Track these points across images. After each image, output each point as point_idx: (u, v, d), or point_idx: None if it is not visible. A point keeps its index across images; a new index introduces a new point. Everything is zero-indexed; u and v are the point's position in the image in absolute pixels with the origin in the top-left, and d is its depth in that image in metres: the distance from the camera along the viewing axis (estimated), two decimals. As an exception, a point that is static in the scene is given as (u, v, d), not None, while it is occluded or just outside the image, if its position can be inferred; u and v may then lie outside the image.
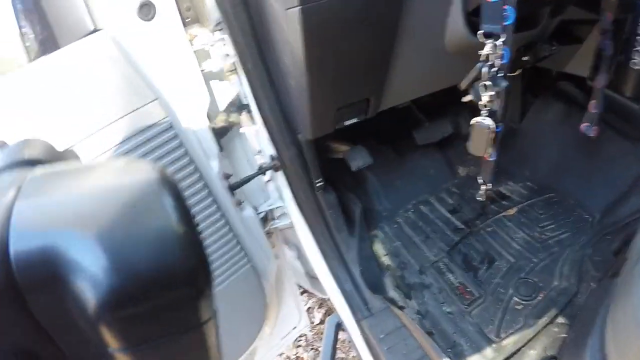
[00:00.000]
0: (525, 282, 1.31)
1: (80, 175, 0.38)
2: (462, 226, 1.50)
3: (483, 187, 1.20)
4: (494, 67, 0.98)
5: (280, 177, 1.34)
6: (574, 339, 1.06)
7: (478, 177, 1.19)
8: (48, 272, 0.28)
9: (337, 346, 1.65)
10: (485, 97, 1.01)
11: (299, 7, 0.86)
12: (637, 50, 1.25)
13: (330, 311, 2.09)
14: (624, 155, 1.42)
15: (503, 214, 1.52)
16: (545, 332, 1.19)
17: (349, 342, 1.86)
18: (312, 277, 1.63)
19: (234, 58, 1.23)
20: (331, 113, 1.13)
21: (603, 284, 1.21)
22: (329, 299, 2.07)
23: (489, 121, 1.04)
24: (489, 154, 1.10)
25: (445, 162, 1.76)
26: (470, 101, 1.64)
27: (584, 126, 1.36)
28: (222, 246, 1.23)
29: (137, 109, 1.05)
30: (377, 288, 1.37)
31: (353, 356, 1.95)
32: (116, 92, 1.04)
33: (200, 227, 1.17)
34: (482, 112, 1.04)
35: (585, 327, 0.89)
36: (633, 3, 1.21)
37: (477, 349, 1.20)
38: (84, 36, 1.05)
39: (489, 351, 1.18)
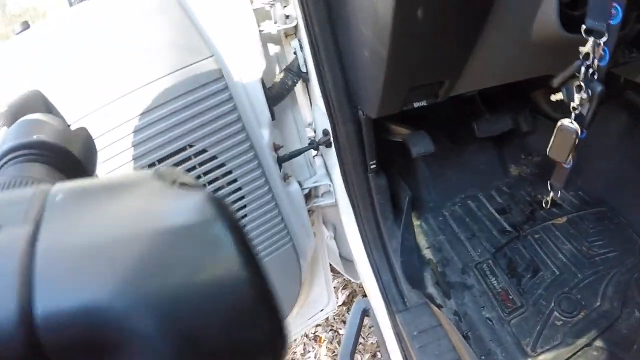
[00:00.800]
0: (568, 298, 1.30)
1: (113, 201, 0.29)
2: (510, 229, 1.48)
3: (551, 194, 1.17)
4: (592, 68, 0.93)
5: (330, 153, 1.31)
6: None
7: (549, 182, 1.17)
8: (84, 340, 0.22)
9: (359, 332, 1.66)
10: (576, 99, 0.97)
11: None
12: None
13: (354, 293, 2.10)
14: None
15: (552, 221, 1.49)
16: (582, 354, 1.18)
17: (370, 327, 1.87)
18: (346, 260, 1.62)
19: (296, 21, 1.17)
20: (403, 92, 1.07)
21: None
22: (359, 285, 2.08)
23: (575, 125, 1.00)
24: (568, 161, 1.07)
25: (499, 158, 1.73)
26: (534, 97, 1.59)
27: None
28: (266, 222, 1.21)
29: (190, 64, 1.01)
30: (416, 282, 1.35)
31: (372, 343, 1.97)
32: (170, 44, 1.00)
33: (247, 200, 1.15)
34: (570, 114, 1.01)
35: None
36: None
37: None
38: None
39: None
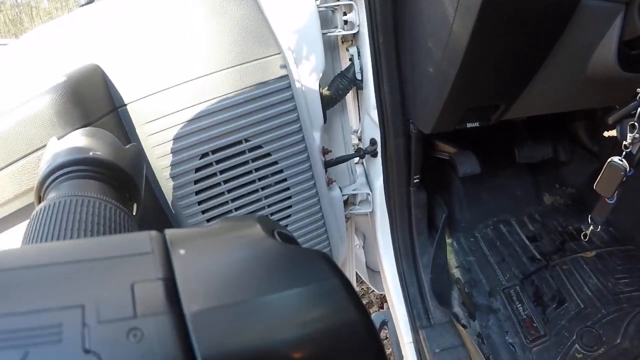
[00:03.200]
0: (590, 332, 1.40)
1: (234, 254, 0.33)
2: (539, 257, 1.59)
3: (591, 227, 1.30)
4: None
5: (375, 163, 1.43)
6: None
7: (590, 216, 1.29)
8: None
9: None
10: (629, 138, 1.10)
11: None
12: None
13: (370, 304, 2.22)
14: None
15: (581, 254, 1.60)
16: None
17: (384, 339, 2.00)
18: (371, 270, 1.74)
19: (357, 28, 1.29)
20: (460, 112, 1.17)
21: None
22: (376, 296, 2.20)
23: (625, 163, 1.13)
24: (612, 197, 1.20)
25: (534, 186, 1.85)
26: (573, 128, 1.72)
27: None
28: (310, 223, 1.30)
29: (259, 58, 1.08)
30: (442, 300, 1.45)
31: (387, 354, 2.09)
32: (242, 35, 1.07)
33: (293, 200, 1.26)
34: (622, 152, 1.14)
35: None
36: None
37: None
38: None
39: None
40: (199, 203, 1.15)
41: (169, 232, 0.32)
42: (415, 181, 1.39)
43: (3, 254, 0.29)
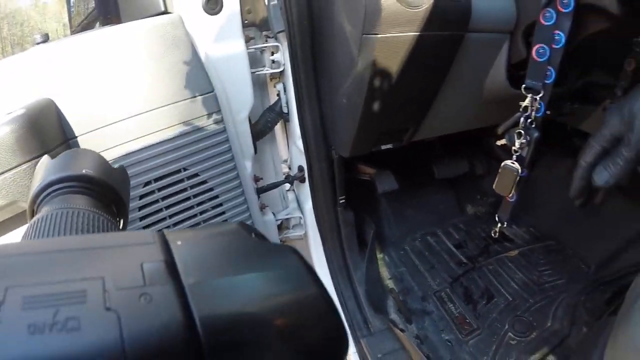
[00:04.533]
0: (520, 320, 1.58)
1: (225, 245, 0.41)
2: (466, 261, 1.79)
3: (499, 225, 1.53)
4: (530, 118, 1.31)
5: (303, 188, 1.61)
6: None
7: (497, 215, 1.52)
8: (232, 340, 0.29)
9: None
10: (517, 144, 1.34)
11: (378, 35, 1.11)
12: None
13: None
14: (624, 213, 1.72)
15: (505, 254, 1.81)
16: None
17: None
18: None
19: (283, 67, 1.52)
20: (374, 136, 1.38)
21: (594, 328, 1.53)
22: None
23: (517, 165, 1.37)
24: (511, 195, 1.43)
25: (456, 199, 2.07)
26: (488, 143, 1.99)
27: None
28: None
29: (194, 96, 1.30)
30: (379, 309, 1.62)
31: None
32: (180, 76, 1.28)
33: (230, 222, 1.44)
34: (512, 156, 1.38)
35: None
36: None
37: None
38: (153, 15, 1.31)
39: None
40: (144, 228, 1.32)
41: (165, 231, 0.39)
42: (341, 202, 1.58)
43: (25, 243, 0.35)
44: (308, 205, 1.62)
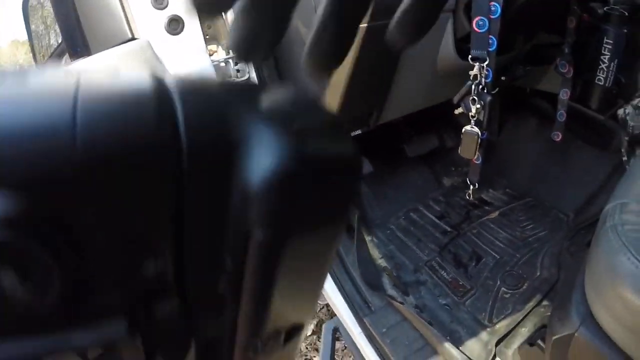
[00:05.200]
0: (511, 274, 1.69)
1: None
2: (450, 229, 1.89)
3: (471, 187, 1.65)
4: (481, 84, 1.45)
5: None
6: (561, 299, 1.44)
7: (467, 178, 1.65)
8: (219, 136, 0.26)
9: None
10: (473, 109, 1.48)
11: None
12: (600, 69, 1.76)
13: (321, 321, 2.46)
14: (591, 161, 1.83)
15: (486, 217, 1.92)
16: (533, 313, 1.55)
17: (343, 350, 2.24)
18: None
19: (247, 74, 1.63)
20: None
21: (578, 255, 1.65)
22: (324, 313, 2.45)
23: (476, 129, 1.49)
24: (476, 157, 1.56)
25: (432, 174, 2.19)
26: (456, 116, 2.13)
27: (553, 134, 1.87)
28: None
29: None
30: (376, 287, 1.71)
31: None
32: None
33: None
34: (471, 122, 1.52)
35: (569, 288, 1.28)
36: (593, 28, 1.66)
37: (474, 334, 1.54)
38: (121, 43, 1.42)
39: (484, 334, 1.53)
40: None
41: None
42: None
43: None
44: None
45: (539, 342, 1.37)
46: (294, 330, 0.40)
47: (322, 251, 0.35)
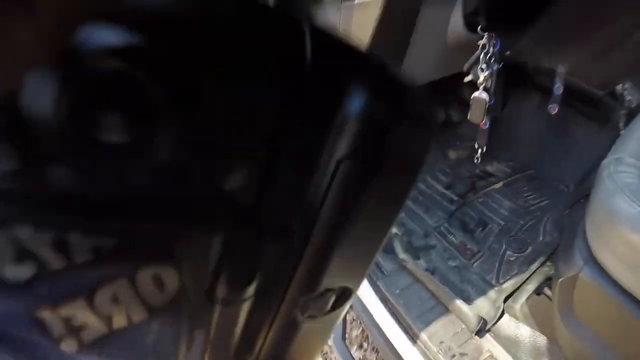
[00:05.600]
0: (515, 239, 1.82)
1: None
2: (457, 198, 2.02)
3: (479, 151, 1.77)
4: (489, 54, 1.57)
5: None
6: (565, 246, 1.50)
7: (476, 143, 1.76)
8: None
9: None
10: (481, 77, 1.59)
11: (354, 2, 1.37)
12: None
13: None
14: (591, 135, 1.94)
15: (491, 188, 2.05)
16: (537, 272, 1.68)
17: (351, 322, 2.36)
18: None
19: None
20: None
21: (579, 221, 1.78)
22: None
23: (484, 95, 1.60)
24: (484, 122, 1.68)
25: (439, 146, 2.31)
26: (461, 94, 2.24)
27: (549, 107, 1.99)
28: None
29: None
30: (388, 252, 1.83)
31: (356, 335, 2.44)
32: None
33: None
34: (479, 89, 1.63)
35: (572, 236, 1.37)
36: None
37: (482, 293, 1.66)
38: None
39: (492, 293, 1.65)
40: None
41: None
42: None
43: None
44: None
45: (546, 289, 1.47)
46: (343, 296, 0.47)
47: (396, 199, 0.41)
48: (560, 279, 1.24)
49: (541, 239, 1.83)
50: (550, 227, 1.85)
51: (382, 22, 1.43)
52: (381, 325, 1.73)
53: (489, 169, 2.17)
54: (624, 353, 1.15)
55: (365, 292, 1.82)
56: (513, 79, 2.21)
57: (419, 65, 1.69)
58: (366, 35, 1.46)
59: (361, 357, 2.12)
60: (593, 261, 1.15)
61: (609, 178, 1.13)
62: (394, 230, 1.94)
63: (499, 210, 1.96)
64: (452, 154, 2.28)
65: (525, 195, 2.01)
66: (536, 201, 1.99)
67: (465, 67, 1.61)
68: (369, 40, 1.47)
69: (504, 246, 1.83)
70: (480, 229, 1.90)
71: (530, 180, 2.08)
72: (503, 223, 1.91)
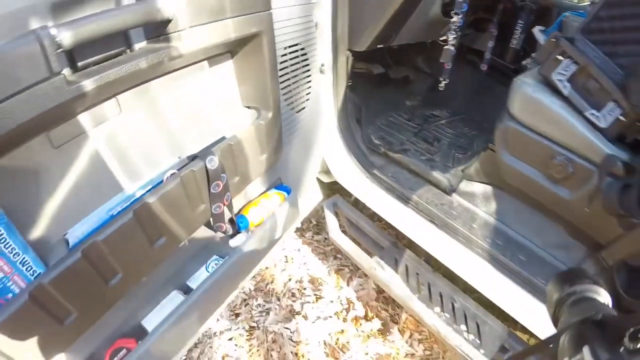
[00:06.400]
0: (459, 147, 2.75)
1: None
2: (416, 126, 2.99)
3: (443, 82, 2.66)
4: (456, 26, 2.48)
5: (324, 79, 2.58)
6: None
7: (440, 77, 2.64)
8: None
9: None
10: (451, 37, 2.51)
11: None
12: (514, 38, 2.92)
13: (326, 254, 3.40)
14: (504, 94, 2.65)
15: (438, 122, 3.05)
16: (480, 157, 2.52)
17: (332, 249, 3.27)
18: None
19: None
20: (378, 38, 2.37)
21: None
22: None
23: (452, 48, 2.53)
24: (448, 65, 2.63)
25: (400, 95, 3.34)
26: (419, 59, 3.27)
27: (481, 66, 3.02)
28: None
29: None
30: (376, 153, 2.71)
31: (331, 248, 3.35)
32: None
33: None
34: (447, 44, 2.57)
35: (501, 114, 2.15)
36: (512, 12, 2.86)
37: (447, 170, 2.53)
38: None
39: (453, 170, 2.53)
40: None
41: None
42: (349, 84, 2.61)
43: None
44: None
45: (490, 145, 2.34)
46: None
47: None
48: (497, 130, 2.12)
49: (476, 146, 2.78)
50: (484, 140, 2.80)
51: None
52: (383, 199, 2.56)
53: (436, 112, 3.19)
54: (542, 171, 2.02)
55: (364, 180, 2.65)
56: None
57: (412, 29, 2.52)
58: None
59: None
60: (512, 117, 2.05)
61: (516, 78, 2.01)
62: (378, 142, 2.82)
63: (447, 134, 2.94)
64: (409, 102, 3.32)
65: (463, 128, 3.03)
66: (470, 131, 2.99)
67: (443, 31, 2.54)
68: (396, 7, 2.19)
69: (453, 150, 2.77)
70: (437, 142, 2.85)
71: (463, 120, 3.10)
72: (449, 140, 2.87)
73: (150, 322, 1.75)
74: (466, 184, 2.53)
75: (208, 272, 1.95)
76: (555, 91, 1.84)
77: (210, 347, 2.76)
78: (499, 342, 2.21)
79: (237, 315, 2.96)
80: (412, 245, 2.55)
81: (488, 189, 2.49)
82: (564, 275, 0.87)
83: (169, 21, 1.31)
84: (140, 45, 1.34)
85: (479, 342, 2.26)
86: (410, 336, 2.86)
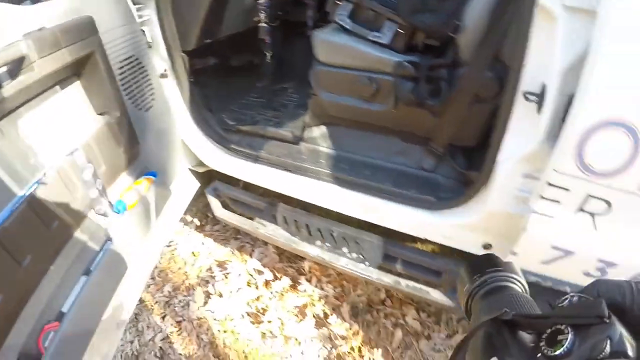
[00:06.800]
0: (304, 106, 3.06)
1: None
2: (265, 101, 3.47)
3: (268, 55, 3.36)
4: (263, 5, 3.06)
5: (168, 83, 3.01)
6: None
7: (265, 52, 3.28)
8: None
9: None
10: (262, 16, 3.09)
11: None
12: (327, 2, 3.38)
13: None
14: None
15: (285, 93, 3.58)
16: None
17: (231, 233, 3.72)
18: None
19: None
20: (202, 35, 2.95)
21: None
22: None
23: (265, 25, 3.12)
24: (268, 39, 3.23)
25: (252, 79, 3.78)
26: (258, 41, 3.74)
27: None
28: None
29: None
30: (229, 132, 3.14)
31: (230, 232, 3.84)
32: None
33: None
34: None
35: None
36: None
37: (295, 127, 2.99)
38: None
39: (296, 124, 3.04)
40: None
41: None
42: (191, 81, 3.03)
43: None
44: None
45: (311, 91, 2.85)
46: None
47: None
48: (311, 76, 2.64)
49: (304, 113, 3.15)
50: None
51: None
52: (244, 167, 3.03)
53: (285, 85, 3.72)
54: (354, 96, 2.55)
55: (224, 156, 3.11)
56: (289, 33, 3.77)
57: (231, 17, 3.04)
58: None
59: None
60: (318, 62, 2.58)
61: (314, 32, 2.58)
62: (229, 122, 3.32)
63: (292, 100, 3.49)
64: (259, 84, 3.79)
65: (305, 91, 3.26)
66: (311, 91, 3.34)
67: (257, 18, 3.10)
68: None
69: (300, 111, 3.17)
70: (283, 107, 3.39)
71: (307, 84, 3.42)
72: (295, 103, 3.43)
73: (67, 306, 2.13)
74: (308, 131, 3.03)
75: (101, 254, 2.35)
76: (343, 29, 2.42)
77: (150, 352, 3.05)
78: (379, 251, 2.66)
79: (163, 317, 3.29)
80: (286, 200, 2.96)
81: (324, 129, 3.00)
82: (474, 264, 0.83)
83: (23, 57, 1.73)
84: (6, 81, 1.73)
85: (362, 257, 2.72)
86: (319, 281, 3.36)
